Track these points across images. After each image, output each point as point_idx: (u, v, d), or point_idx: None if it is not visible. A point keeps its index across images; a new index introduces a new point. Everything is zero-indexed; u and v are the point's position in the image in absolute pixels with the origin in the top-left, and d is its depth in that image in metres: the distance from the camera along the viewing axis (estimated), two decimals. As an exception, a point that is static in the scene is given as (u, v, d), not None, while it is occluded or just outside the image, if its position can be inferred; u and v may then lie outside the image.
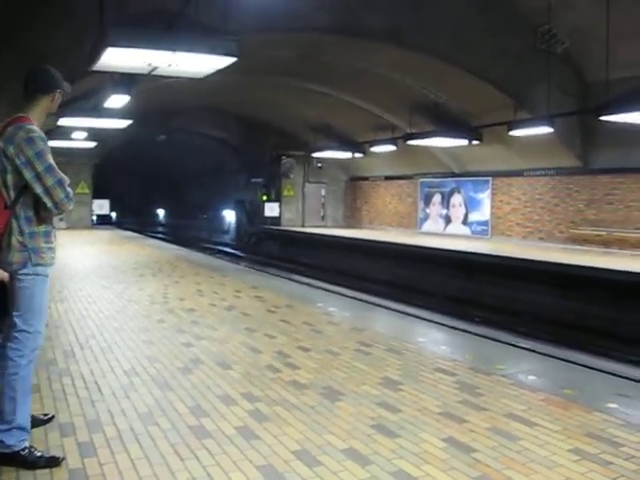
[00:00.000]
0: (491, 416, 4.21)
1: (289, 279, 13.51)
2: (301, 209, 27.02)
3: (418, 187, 22.73)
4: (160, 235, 37.42)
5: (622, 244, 15.00)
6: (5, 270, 3.49)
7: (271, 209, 26.74)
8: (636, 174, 14.64)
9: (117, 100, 11.68)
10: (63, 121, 13.65)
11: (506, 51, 13.99)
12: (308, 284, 13.30)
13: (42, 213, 3.47)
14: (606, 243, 15.39)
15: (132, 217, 46.89)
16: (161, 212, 50.72)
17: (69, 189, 3.47)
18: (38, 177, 3.37)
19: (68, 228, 24.02)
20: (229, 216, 34.60)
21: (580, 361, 7.66)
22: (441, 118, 17.04)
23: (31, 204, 3.44)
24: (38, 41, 9.79)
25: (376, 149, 20.36)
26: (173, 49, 6.66)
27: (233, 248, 30.41)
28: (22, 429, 3.42)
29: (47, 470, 3.34)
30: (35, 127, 3.48)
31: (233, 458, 3.51)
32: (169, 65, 7.27)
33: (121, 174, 40.03)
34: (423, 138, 16.66)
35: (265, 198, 27.54)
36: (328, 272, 20.75)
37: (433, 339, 6.84)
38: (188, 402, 4.42)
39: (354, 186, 26.94)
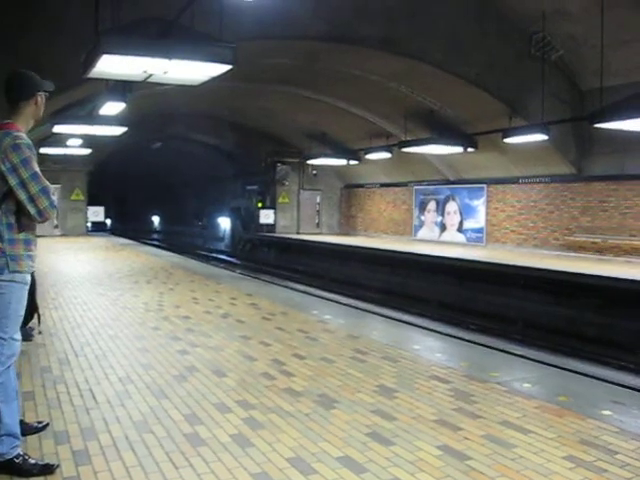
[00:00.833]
0: (486, 423, 4.21)
1: (284, 286, 13.51)
2: (296, 216, 27.04)
3: (413, 194, 22.77)
4: (155, 242, 37.39)
5: (617, 251, 15.04)
6: None
7: (266, 216, 26.74)
8: (630, 181, 14.69)
9: (112, 107, 11.68)
10: (58, 128, 13.63)
11: (501, 59, 14.05)
12: (303, 291, 13.30)
13: (24, 220, 3.44)
14: (601, 250, 15.43)
15: (127, 224, 46.84)
16: (156, 219, 50.66)
17: (53, 197, 3.45)
18: (23, 184, 3.35)
19: (63, 235, 24.00)
20: (224, 223, 34.59)
21: (575, 368, 7.68)
22: (436, 125, 17.08)
23: (13, 211, 3.41)
24: (33, 48, 9.79)
25: (371, 156, 20.39)
26: (168, 56, 6.66)
27: (228, 255, 30.39)
28: (11, 435, 3.39)
29: (41, 478, 3.33)
30: (22, 134, 3.47)
31: (228, 466, 3.50)
32: (164, 72, 7.27)
33: (116, 181, 39.96)
34: (418, 145, 16.70)
35: (260, 205, 27.56)
36: (323, 279, 20.76)
37: (428, 346, 6.84)
38: (183, 410, 4.41)
39: (349, 193, 26.97)
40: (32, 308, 5.79)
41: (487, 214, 19.22)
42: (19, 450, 3.42)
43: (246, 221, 29.59)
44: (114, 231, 38.52)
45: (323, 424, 4.16)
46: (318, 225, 27.28)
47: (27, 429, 3.82)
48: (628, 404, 4.69)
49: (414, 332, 8.08)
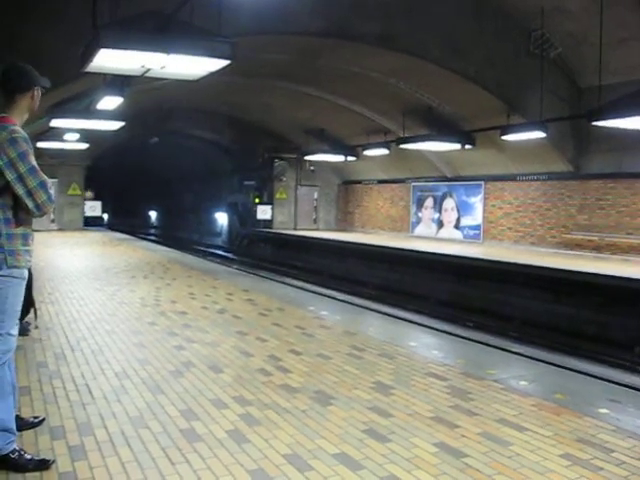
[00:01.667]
0: (482, 421, 4.21)
1: (281, 282, 13.51)
2: (293, 212, 27.02)
3: (411, 191, 22.76)
4: (152, 237, 37.35)
5: (614, 249, 15.05)
6: None
7: (263, 212, 26.71)
8: (628, 179, 14.70)
9: (110, 102, 11.65)
10: (55, 122, 13.59)
11: (499, 56, 14.04)
12: (300, 287, 13.30)
13: (21, 215, 3.43)
14: (598, 248, 15.44)
15: (124, 219, 46.77)
16: (153, 214, 50.59)
17: (51, 191, 3.44)
18: (21, 178, 3.33)
19: (60, 229, 23.96)
20: (221, 218, 34.56)
21: (572, 366, 7.69)
22: (434, 122, 17.08)
23: (10, 206, 3.39)
24: (31, 42, 9.75)
25: (369, 153, 20.37)
26: (167, 51, 6.64)
27: (225, 250, 30.37)
28: (7, 431, 3.38)
29: (37, 473, 3.32)
30: (18, 128, 3.45)
31: (224, 462, 3.50)
32: (162, 67, 7.25)
33: (113, 176, 39.90)
34: (416, 142, 16.69)
35: (257, 201, 27.54)
36: (320, 275, 20.76)
37: (425, 343, 6.84)
38: (179, 405, 4.40)
39: (347, 189, 26.96)
40: (29, 303, 5.76)
41: (484, 211, 19.23)
42: (15, 445, 3.41)
43: (243, 217, 29.57)
44: (111, 226, 38.47)
45: (319, 420, 4.16)
46: (315, 221, 27.28)
47: (23, 424, 3.82)
48: (624, 402, 4.70)
49: (411, 329, 8.08)
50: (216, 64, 7.13)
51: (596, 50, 11.29)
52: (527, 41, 13.95)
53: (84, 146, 20.01)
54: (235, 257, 27.51)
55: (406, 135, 17.56)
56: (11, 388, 3.47)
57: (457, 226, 20.46)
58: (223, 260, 24.97)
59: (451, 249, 17.10)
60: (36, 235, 3.68)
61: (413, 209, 22.64)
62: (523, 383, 5.13)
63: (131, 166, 38.83)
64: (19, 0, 10.15)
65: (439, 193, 21.31)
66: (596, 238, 15.49)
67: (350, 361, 5.69)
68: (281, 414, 4.27)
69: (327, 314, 8.16)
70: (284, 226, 26.77)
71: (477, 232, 19.50)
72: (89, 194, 31.26)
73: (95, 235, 23.34)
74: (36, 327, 6.73)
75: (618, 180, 14.97)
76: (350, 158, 22.07)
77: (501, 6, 13.65)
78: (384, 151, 19.40)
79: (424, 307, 15.31)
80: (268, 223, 26.83)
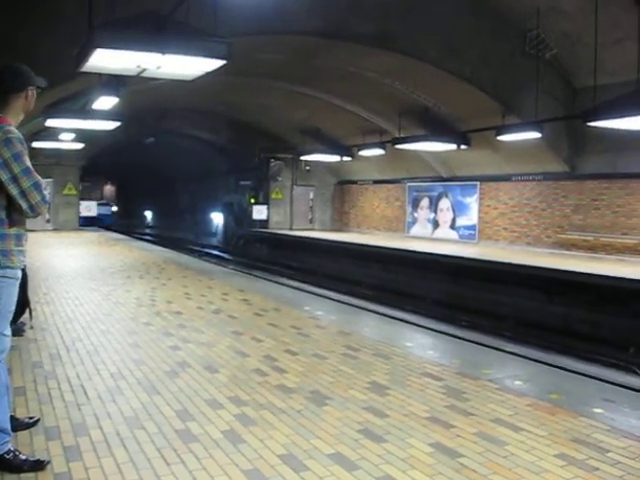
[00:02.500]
0: (478, 421, 4.21)
1: (276, 282, 13.50)
2: (289, 212, 27.01)
3: (406, 191, 22.77)
4: (147, 237, 37.29)
5: (609, 249, 15.08)
6: None
7: (259, 212, 26.69)
8: (622, 180, 14.73)
9: (105, 102, 11.64)
10: (51, 122, 13.57)
11: (495, 56, 14.06)
12: (295, 287, 13.28)
13: (15, 215, 3.42)
14: (593, 248, 15.47)
15: (119, 219, 46.69)
16: (149, 214, 50.54)
17: (45, 192, 3.43)
18: (15, 179, 3.32)
19: (55, 230, 23.91)
20: (217, 218, 34.53)
21: (566, 366, 7.69)
22: (430, 122, 17.08)
23: (4, 206, 3.38)
24: (27, 42, 9.74)
25: (365, 153, 20.37)
26: (162, 51, 6.63)
27: (221, 251, 30.34)
28: (1, 431, 3.37)
29: (32, 474, 3.32)
30: (13, 128, 3.44)
31: (219, 462, 3.50)
32: (158, 67, 7.24)
33: (108, 176, 39.85)
34: (412, 142, 16.69)
35: (253, 201, 27.50)
36: (316, 275, 20.75)
37: (420, 344, 6.85)
38: (175, 406, 4.40)
39: (342, 189, 26.96)
40: (23, 303, 5.76)
41: (480, 211, 19.25)
42: (10, 446, 3.40)
43: (239, 217, 29.54)
44: (106, 227, 38.37)
45: (315, 421, 4.16)
46: (311, 221, 27.26)
47: (18, 425, 3.81)
48: (619, 402, 4.71)
49: (406, 329, 8.08)
50: (212, 64, 7.12)
51: (591, 50, 11.31)
52: (522, 42, 13.96)
53: (79, 146, 19.98)
54: (231, 257, 27.48)
55: (402, 135, 17.56)
56: (5, 389, 3.46)
57: (453, 226, 20.48)
58: (219, 260, 24.94)
59: (447, 249, 17.11)
60: (31, 235, 3.68)
61: (409, 209, 22.65)
62: (518, 383, 5.14)
63: (127, 166, 38.76)
64: (15, 0, 10.13)
65: (435, 193, 21.32)
66: (591, 238, 15.52)
67: (346, 361, 5.70)
68: (277, 414, 4.27)
69: (323, 314, 8.16)
70: (280, 226, 26.76)
71: (472, 232, 19.52)
72: (109, 187, 32.11)
73: (90, 235, 23.31)
74: (31, 327, 6.72)
75: (613, 180, 15.00)
76: (346, 158, 22.06)
77: (497, 7, 13.66)
78: (380, 151, 19.40)
79: (420, 307, 15.31)
80: (264, 223, 26.80)
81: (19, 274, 3.51)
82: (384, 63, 14.24)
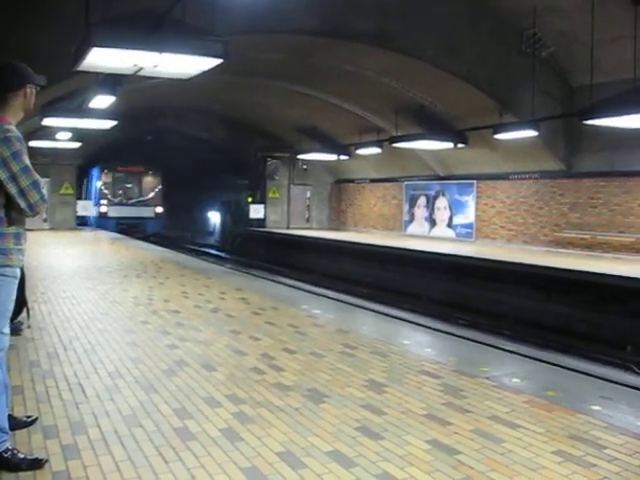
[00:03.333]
0: (475, 418, 4.22)
1: (274, 281, 13.50)
2: (286, 211, 26.99)
3: (403, 190, 22.77)
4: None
5: (605, 247, 15.10)
6: None
7: (256, 211, 26.65)
8: (619, 178, 14.75)
9: (102, 100, 11.63)
10: (47, 121, 13.56)
11: (492, 55, 14.06)
12: (293, 286, 13.29)
13: (13, 214, 3.41)
14: (590, 246, 15.48)
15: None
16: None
17: (44, 191, 3.43)
18: (13, 178, 3.32)
19: (52, 229, 23.89)
20: (214, 217, 34.46)
21: (563, 363, 7.71)
22: (427, 121, 17.08)
23: (2, 204, 3.38)
24: (24, 40, 9.73)
25: (362, 151, 20.37)
26: (159, 50, 6.63)
27: (218, 249, 30.32)
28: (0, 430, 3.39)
29: (30, 472, 3.32)
30: (12, 127, 3.44)
31: (217, 460, 3.50)
32: (155, 66, 7.24)
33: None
34: (409, 141, 16.70)
35: (250, 200, 27.48)
36: (313, 274, 20.76)
37: (418, 341, 6.85)
38: (172, 404, 4.40)
39: (339, 188, 26.95)
40: (21, 302, 5.76)
41: (477, 210, 19.25)
42: (8, 444, 3.41)
43: (236, 215, 29.53)
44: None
45: (313, 418, 4.17)
46: (308, 220, 27.24)
47: (16, 423, 3.81)
48: (616, 399, 4.72)
49: (404, 327, 8.10)
50: (208, 63, 7.13)
51: (588, 49, 11.32)
52: (519, 40, 13.97)
53: (76, 145, 19.96)
54: (228, 256, 27.47)
55: (399, 134, 17.56)
56: (3, 387, 3.46)
57: (450, 225, 20.48)
58: (216, 259, 24.93)
59: (443, 248, 17.12)
60: (28, 234, 3.68)
61: (406, 208, 22.65)
62: (515, 380, 5.15)
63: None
64: (12, -1, 10.13)
65: (432, 192, 21.32)
66: (588, 236, 15.54)
67: (343, 359, 5.71)
68: (274, 412, 4.27)
69: (320, 312, 8.17)
70: (277, 225, 26.75)
71: (469, 230, 19.53)
72: (151, 177, 29.52)
73: (87, 234, 23.29)
74: (29, 326, 6.72)
75: (610, 178, 15.01)
76: (343, 157, 22.04)
77: (494, 6, 13.67)
78: (377, 150, 19.40)
79: (417, 305, 15.33)
80: (261, 222, 26.77)
81: (18, 273, 3.51)
82: (381, 62, 14.23)
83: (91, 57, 6.81)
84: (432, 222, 21.30)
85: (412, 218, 22.34)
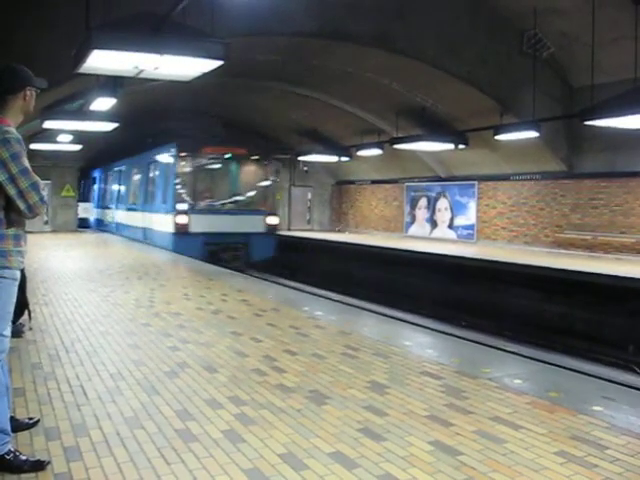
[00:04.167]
0: (477, 419, 4.22)
1: (275, 282, 13.50)
2: (287, 212, 26.98)
3: (404, 191, 22.78)
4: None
5: (607, 248, 15.10)
6: None
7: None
8: (620, 179, 14.75)
9: (103, 103, 11.63)
10: (48, 124, 13.57)
11: (492, 56, 14.06)
12: (294, 288, 13.29)
13: (13, 216, 3.42)
14: (591, 247, 15.48)
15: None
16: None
17: (43, 193, 3.44)
18: (13, 179, 3.32)
19: (53, 231, 23.91)
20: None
21: (565, 364, 7.71)
22: (428, 122, 17.08)
23: (2, 206, 3.39)
24: (24, 43, 9.73)
25: (362, 153, 20.36)
26: (160, 52, 6.64)
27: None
28: (1, 432, 3.38)
29: (33, 474, 3.32)
30: (12, 129, 3.44)
31: (219, 462, 3.50)
32: (156, 68, 7.25)
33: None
34: (409, 142, 16.69)
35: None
36: (314, 276, 20.74)
37: (419, 343, 6.85)
38: (174, 406, 4.40)
39: (340, 190, 26.96)
40: (22, 304, 5.77)
41: (478, 211, 19.25)
42: (10, 446, 3.41)
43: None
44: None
45: (315, 420, 4.17)
46: (309, 221, 27.25)
47: (18, 425, 3.81)
48: (618, 400, 4.72)
49: (405, 328, 8.08)
50: (209, 65, 7.14)
51: (588, 50, 11.33)
52: (520, 41, 13.97)
53: (77, 147, 19.98)
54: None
55: (399, 135, 17.56)
56: (5, 389, 3.46)
57: (451, 226, 20.49)
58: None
59: (445, 249, 17.11)
60: (29, 237, 3.68)
61: (407, 209, 22.65)
62: (517, 381, 5.14)
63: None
64: (13, 1, 10.12)
65: (432, 193, 21.33)
66: (589, 237, 15.53)
67: (345, 361, 5.70)
68: (276, 414, 4.27)
69: (321, 314, 8.17)
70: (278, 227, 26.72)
71: (471, 232, 19.53)
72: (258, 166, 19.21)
73: (88, 237, 23.29)
74: (30, 329, 6.72)
75: (611, 179, 15.01)
76: (344, 158, 22.03)
77: (494, 7, 13.67)
78: (377, 151, 19.39)
79: (418, 306, 15.32)
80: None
81: (17, 275, 3.51)
82: (381, 63, 14.24)
83: (92, 59, 6.82)
84: (433, 223, 21.31)
85: (413, 219, 22.35)
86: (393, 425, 4.09)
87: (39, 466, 3.38)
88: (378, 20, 12.58)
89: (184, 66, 7.27)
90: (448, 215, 20.60)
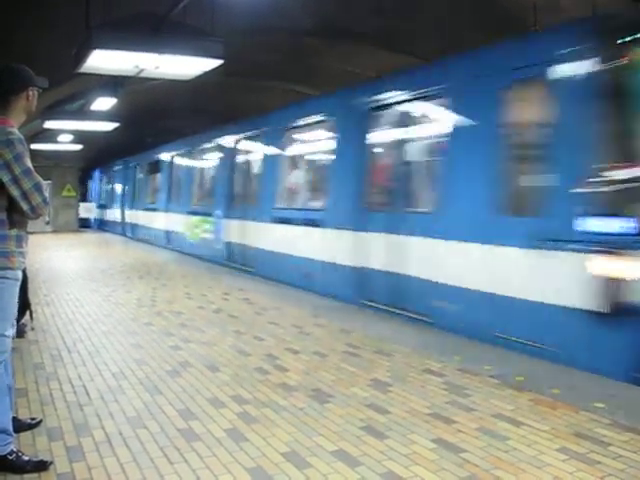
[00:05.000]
0: (479, 416, 4.22)
1: (277, 281, 13.46)
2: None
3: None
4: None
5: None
6: None
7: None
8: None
9: (103, 103, 11.65)
10: (49, 124, 13.58)
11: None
12: (296, 286, 13.25)
13: (15, 217, 3.42)
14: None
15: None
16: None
17: (46, 193, 3.44)
18: (15, 180, 3.32)
19: (54, 231, 23.92)
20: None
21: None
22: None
23: (4, 207, 3.39)
24: (24, 43, 9.74)
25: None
26: (160, 51, 6.65)
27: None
28: (4, 432, 3.38)
29: (35, 474, 3.33)
30: (15, 129, 3.44)
31: (222, 461, 3.50)
32: (156, 67, 7.27)
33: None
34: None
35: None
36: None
37: (421, 340, 6.84)
38: (177, 405, 4.41)
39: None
40: (24, 305, 5.78)
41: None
42: (12, 447, 3.41)
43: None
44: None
45: (317, 418, 4.17)
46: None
47: (20, 426, 3.82)
48: (620, 396, 4.71)
49: (407, 326, 8.07)
50: (209, 64, 7.15)
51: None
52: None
53: (78, 147, 19.99)
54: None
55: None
56: (7, 389, 3.47)
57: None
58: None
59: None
60: (31, 237, 3.69)
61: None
62: (519, 378, 5.14)
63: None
64: (13, 1, 10.12)
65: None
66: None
67: (347, 359, 5.70)
68: (279, 412, 4.27)
69: (323, 312, 8.16)
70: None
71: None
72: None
73: (90, 237, 23.30)
74: (32, 329, 6.73)
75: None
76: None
77: (495, 3, 13.64)
78: (378, 149, 19.34)
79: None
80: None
81: (19, 275, 3.51)
82: (382, 61, 14.21)
83: (92, 59, 6.83)
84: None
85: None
86: (395, 423, 4.09)
87: (42, 466, 3.39)
88: (378, 18, 12.56)
89: (184, 65, 7.29)
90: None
